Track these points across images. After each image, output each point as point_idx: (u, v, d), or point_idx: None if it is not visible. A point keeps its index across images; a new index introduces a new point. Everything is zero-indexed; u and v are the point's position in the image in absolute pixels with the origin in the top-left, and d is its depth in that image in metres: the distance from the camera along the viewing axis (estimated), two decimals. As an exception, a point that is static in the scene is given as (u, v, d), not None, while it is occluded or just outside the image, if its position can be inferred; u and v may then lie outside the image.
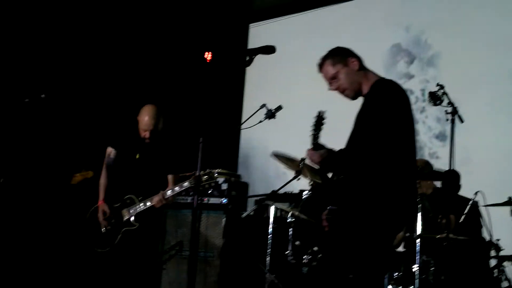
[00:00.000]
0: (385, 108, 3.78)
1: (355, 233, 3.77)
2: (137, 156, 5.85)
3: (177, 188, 5.58)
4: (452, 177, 6.17)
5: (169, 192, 5.60)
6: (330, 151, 3.92)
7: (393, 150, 3.74)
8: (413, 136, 3.93)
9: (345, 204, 3.89)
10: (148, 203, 5.64)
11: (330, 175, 4.13)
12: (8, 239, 6.88)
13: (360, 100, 4.11)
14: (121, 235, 5.70)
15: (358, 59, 4.10)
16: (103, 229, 5.81)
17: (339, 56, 4.09)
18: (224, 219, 6.93)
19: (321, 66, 4.13)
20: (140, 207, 5.67)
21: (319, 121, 3.94)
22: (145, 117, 5.80)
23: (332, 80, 4.07)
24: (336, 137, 4.09)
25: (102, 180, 5.95)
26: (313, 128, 3.94)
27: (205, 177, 5.38)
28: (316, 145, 3.94)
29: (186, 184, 5.52)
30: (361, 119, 3.93)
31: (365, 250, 3.76)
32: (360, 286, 3.78)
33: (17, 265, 7.15)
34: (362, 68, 4.08)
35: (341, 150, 3.96)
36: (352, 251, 3.77)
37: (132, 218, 5.69)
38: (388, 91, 3.88)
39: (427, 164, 6.21)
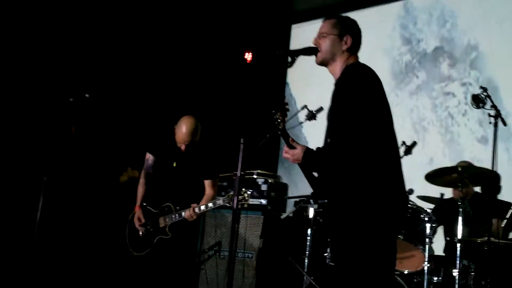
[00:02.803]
0: (357, 95, 3.70)
1: (350, 224, 3.69)
2: (174, 165, 5.86)
3: (210, 205, 5.56)
4: (492, 179, 6.12)
5: (202, 207, 5.58)
6: (307, 147, 3.84)
7: (372, 138, 3.66)
8: (389, 117, 3.85)
9: (334, 198, 3.82)
10: (183, 214, 5.64)
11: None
12: (50, 238, 6.96)
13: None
14: (155, 242, 5.74)
15: (355, 42, 4.03)
16: (140, 233, 5.86)
17: (343, 27, 4.03)
18: (262, 220, 6.93)
19: (325, 20, 4.09)
20: (175, 217, 5.68)
21: (279, 105, 3.90)
22: (182, 130, 5.73)
23: (320, 35, 4.03)
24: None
25: (140, 187, 5.96)
26: (277, 115, 3.90)
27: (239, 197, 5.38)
28: (285, 135, 3.91)
29: (219, 202, 5.50)
30: (334, 109, 3.87)
31: (366, 243, 3.66)
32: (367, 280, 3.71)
33: (55, 264, 7.25)
34: (351, 50, 4.01)
35: (321, 147, 3.88)
36: (353, 243, 3.68)
37: (167, 228, 5.72)
38: (358, 76, 3.81)
39: (471, 166, 6.16)
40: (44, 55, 7.48)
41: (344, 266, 3.78)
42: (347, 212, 3.72)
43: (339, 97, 3.87)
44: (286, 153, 3.92)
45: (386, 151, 3.76)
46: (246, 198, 5.31)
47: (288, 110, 3.91)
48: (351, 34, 4.04)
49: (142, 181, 6.00)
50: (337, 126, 3.81)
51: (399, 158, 3.91)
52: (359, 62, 4.02)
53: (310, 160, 3.84)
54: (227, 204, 5.46)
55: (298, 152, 3.85)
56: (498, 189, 6.32)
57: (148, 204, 5.90)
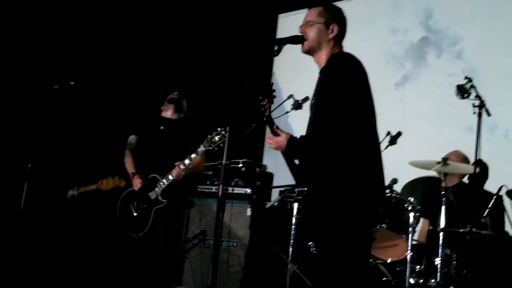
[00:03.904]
0: (342, 83, 3.73)
1: (328, 212, 3.72)
2: (162, 128, 5.89)
3: (193, 156, 5.57)
4: (480, 167, 6.18)
5: (186, 161, 5.59)
6: (291, 136, 3.87)
7: (354, 126, 3.69)
8: (372, 106, 3.87)
9: (314, 185, 3.85)
10: (170, 177, 5.66)
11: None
12: (34, 225, 6.96)
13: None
14: (153, 215, 5.73)
15: (341, 31, 4.06)
16: (134, 214, 5.85)
17: (329, 15, 4.06)
18: (249, 209, 6.94)
19: (312, 7, 4.12)
20: (164, 183, 5.69)
21: (266, 92, 3.92)
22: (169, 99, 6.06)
23: (306, 24, 4.05)
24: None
25: (128, 158, 5.99)
26: (264, 101, 3.93)
27: (217, 137, 5.38)
28: (270, 122, 3.92)
29: (201, 148, 5.52)
30: (320, 97, 3.89)
31: (342, 231, 3.69)
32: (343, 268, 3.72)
33: (39, 251, 7.24)
34: (336, 39, 4.04)
35: (304, 135, 3.92)
36: (332, 231, 3.72)
37: (159, 196, 5.72)
38: (343, 65, 3.84)
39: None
40: (29, 42, 7.45)
41: (322, 253, 3.81)
42: (325, 200, 3.74)
43: (323, 86, 3.89)
44: (269, 139, 3.94)
45: (366, 142, 3.78)
46: (224, 134, 5.32)
47: (274, 97, 3.92)
48: (337, 23, 4.06)
49: (127, 153, 6.05)
50: (321, 115, 3.83)
51: (379, 148, 3.93)
52: (344, 52, 4.04)
53: (293, 148, 3.86)
54: (209, 148, 5.45)
55: (282, 139, 3.86)
56: (485, 177, 6.38)
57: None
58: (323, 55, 4.01)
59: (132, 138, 6.06)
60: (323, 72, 3.97)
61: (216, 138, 5.38)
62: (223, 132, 5.34)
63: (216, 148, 5.41)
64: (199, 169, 5.99)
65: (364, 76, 3.85)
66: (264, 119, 3.90)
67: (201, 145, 5.50)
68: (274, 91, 3.96)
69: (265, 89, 3.92)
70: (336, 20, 4.07)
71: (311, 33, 4.02)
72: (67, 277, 7.26)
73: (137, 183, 5.84)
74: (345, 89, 3.72)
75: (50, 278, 7.18)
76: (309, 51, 4.06)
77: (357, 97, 3.75)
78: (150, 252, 5.71)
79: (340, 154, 3.69)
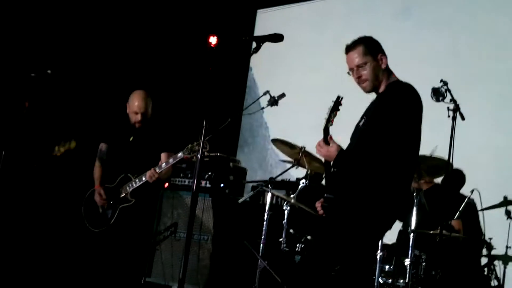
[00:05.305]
0: (400, 112, 3.87)
1: (348, 223, 3.89)
2: (131, 139, 5.86)
3: (171, 160, 5.54)
4: (456, 176, 6.25)
5: (163, 165, 5.58)
6: (341, 148, 4.00)
7: (400, 153, 3.86)
8: (419, 140, 4.02)
9: (342, 195, 3.99)
10: (143, 178, 5.63)
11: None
12: (5, 213, 6.92)
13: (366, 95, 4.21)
14: (117, 213, 5.72)
15: (386, 57, 4.16)
16: (100, 210, 5.84)
17: (372, 49, 4.14)
18: (210, 202, 6.94)
19: (350, 49, 4.17)
20: (136, 183, 5.68)
21: (336, 105, 4.01)
22: (135, 101, 5.79)
23: (357, 68, 4.11)
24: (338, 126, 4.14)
25: (96, 170, 5.97)
26: (329, 111, 4.01)
27: (197, 147, 5.38)
28: (326, 132, 3.99)
29: (179, 155, 5.48)
30: (374, 118, 4.00)
31: (356, 241, 3.88)
32: (348, 277, 3.88)
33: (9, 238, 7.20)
34: (387, 67, 4.15)
35: (351, 149, 4.06)
36: (344, 240, 3.88)
37: (128, 195, 5.71)
38: (405, 95, 3.96)
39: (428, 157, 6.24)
40: (6, 30, 7.41)
41: (328, 251, 3.95)
42: (350, 209, 3.92)
43: (379, 110, 4.00)
44: (320, 146, 4.04)
45: (404, 170, 3.95)
46: (205, 145, 5.31)
47: (338, 109, 4.02)
48: (381, 52, 4.17)
49: (97, 164, 6.00)
50: (371, 137, 3.94)
51: (411, 178, 4.13)
52: (404, 82, 4.12)
53: (340, 160, 3.98)
54: (188, 155, 5.45)
55: (333, 150, 3.99)
56: (461, 183, 6.45)
57: (104, 183, 5.88)
58: (383, 85, 4.12)
59: (102, 146, 6.04)
60: (381, 98, 4.09)
61: (196, 148, 5.38)
62: (194, 144, 5.34)
63: (194, 159, 5.42)
64: (167, 174, 5.97)
65: (419, 109, 3.98)
66: (324, 128, 4.01)
67: (180, 152, 5.48)
68: (340, 104, 4.04)
69: (335, 103, 4.03)
70: (379, 50, 4.17)
71: (368, 74, 4.11)
72: (33, 273, 7.22)
73: (97, 198, 5.83)
74: (400, 119, 3.86)
75: (22, 274, 7.15)
76: (373, 90, 4.15)
77: (409, 129, 3.90)
78: (115, 246, 5.69)
79: (378, 175, 3.85)
